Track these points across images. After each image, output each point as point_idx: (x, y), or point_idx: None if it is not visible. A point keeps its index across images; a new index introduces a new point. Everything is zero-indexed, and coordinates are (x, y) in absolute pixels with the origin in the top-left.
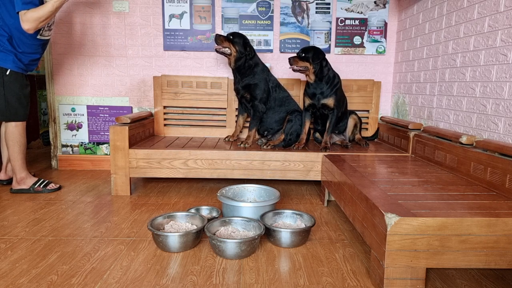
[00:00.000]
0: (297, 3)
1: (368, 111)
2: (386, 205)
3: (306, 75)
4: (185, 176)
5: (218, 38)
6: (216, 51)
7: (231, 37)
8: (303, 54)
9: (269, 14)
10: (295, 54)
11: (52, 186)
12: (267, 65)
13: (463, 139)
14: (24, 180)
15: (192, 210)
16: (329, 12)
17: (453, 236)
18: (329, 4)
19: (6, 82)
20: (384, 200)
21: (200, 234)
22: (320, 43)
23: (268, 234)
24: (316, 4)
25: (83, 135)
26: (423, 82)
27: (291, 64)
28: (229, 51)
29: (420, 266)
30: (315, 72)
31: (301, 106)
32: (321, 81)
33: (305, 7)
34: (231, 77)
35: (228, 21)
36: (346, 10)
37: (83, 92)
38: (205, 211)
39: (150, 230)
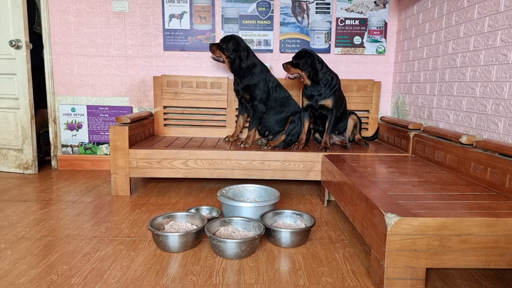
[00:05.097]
0: (297, 3)
1: (368, 111)
2: (386, 205)
3: (303, 80)
4: (185, 176)
5: (211, 48)
6: (213, 58)
7: (220, 44)
8: (295, 61)
9: (269, 14)
10: (291, 59)
11: None
12: (267, 65)
13: (463, 139)
14: None
15: (192, 210)
16: (329, 12)
17: (453, 236)
18: (329, 4)
19: None
20: (384, 200)
21: (200, 234)
22: (320, 43)
23: (268, 234)
24: (316, 4)
25: (83, 135)
26: (423, 82)
27: (285, 70)
28: (222, 59)
29: (420, 266)
30: (310, 77)
31: (301, 106)
32: (317, 84)
33: (305, 7)
34: (231, 77)
35: (228, 21)
36: (346, 10)
37: (83, 92)
38: (205, 211)
39: (150, 230)
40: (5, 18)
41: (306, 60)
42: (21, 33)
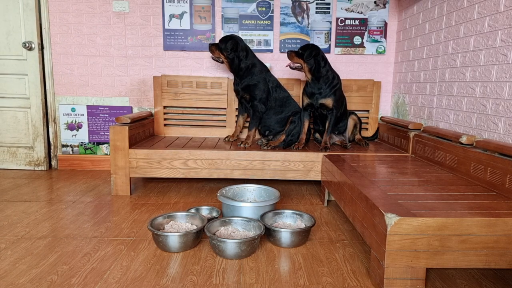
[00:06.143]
0: (297, 3)
1: (368, 111)
2: (386, 205)
3: (304, 73)
4: (185, 176)
5: (210, 48)
6: (213, 59)
7: (219, 44)
8: (300, 51)
9: (269, 14)
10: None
11: None
12: (267, 65)
13: (463, 139)
14: None
15: (192, 210)
16: (329, 12)
17: (453, 236)
18: (329, 4)
19: None
20: (384, 200)
21: (200, 234)
22: (320, 43)
23: (268, 234)
24: (316, 4)
25: (83, 135)
26: (423, 82)
27: (288, 58)
28: (221, 59)
29: (420, 266)
30: (311, 71)
31: (301, 106)
32: (318, 81)
33: (305, 7)
34: (231, 77)
35: (228, 21)
36: (346, 10)
37: (83, 92)
38: (205, 211)
39: (150, 230)
40: (16, 20)
41: (310, 52)
42: (34, 35)
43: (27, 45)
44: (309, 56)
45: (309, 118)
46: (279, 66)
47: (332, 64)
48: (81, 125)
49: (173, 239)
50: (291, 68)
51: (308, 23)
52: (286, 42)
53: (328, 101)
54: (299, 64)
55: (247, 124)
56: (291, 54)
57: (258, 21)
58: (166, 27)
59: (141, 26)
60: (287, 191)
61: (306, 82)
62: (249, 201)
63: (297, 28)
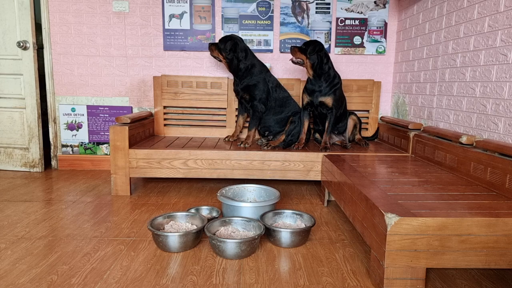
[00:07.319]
0: (297, 3)
1: (368, 111)
2: (386, 205)
3: (306, 69)
4: (185, 176)
5: (210, 47)
6: (213, 56)
7: (219, 44)
8: (304, 47)
9: (269, 14)
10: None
11: None
12: (267, 65)
13: (463, 139)
14: None
15: (192, 210)
16: (329, 12)
17: (453, 236)
18: (329, 4)
19: None
20: (384, 200)
21: (200, 234)
22: None
23: (268, 234)
24: (316, 4)
25: (83, 135)
26: (423, 82)
27: (291, 53)
28: (219, 59)
29: (420, 266)
30: (313, 67)
31: (300, 105)
32: (319, 78)
33: (305, 7)
34: (231, 77)
35: (228, 21)
36: (346, 10)
37: (83, 92)
38: (205, 211)
39: (150, 230)
40: (12, 19)
41: (314, 48)
42: (29, 35)
43: (21, 44)
44: (312, 51)
45: (309, 118)
46: (279, 66)
47: None
48: (81, 125)
49: (173, 239)
50: (293, 62)
51: (308, 23)
52: (286, 42)
53: (328, 100)
54: (301, 60)
55: (247, 124)
56: (294, 49)
57: (258, 21)
58: (166, 27)
59: (141, 26)
60: (287, 191)
61: (307, 79)
62: (249, 201)
63: (297, 28)
